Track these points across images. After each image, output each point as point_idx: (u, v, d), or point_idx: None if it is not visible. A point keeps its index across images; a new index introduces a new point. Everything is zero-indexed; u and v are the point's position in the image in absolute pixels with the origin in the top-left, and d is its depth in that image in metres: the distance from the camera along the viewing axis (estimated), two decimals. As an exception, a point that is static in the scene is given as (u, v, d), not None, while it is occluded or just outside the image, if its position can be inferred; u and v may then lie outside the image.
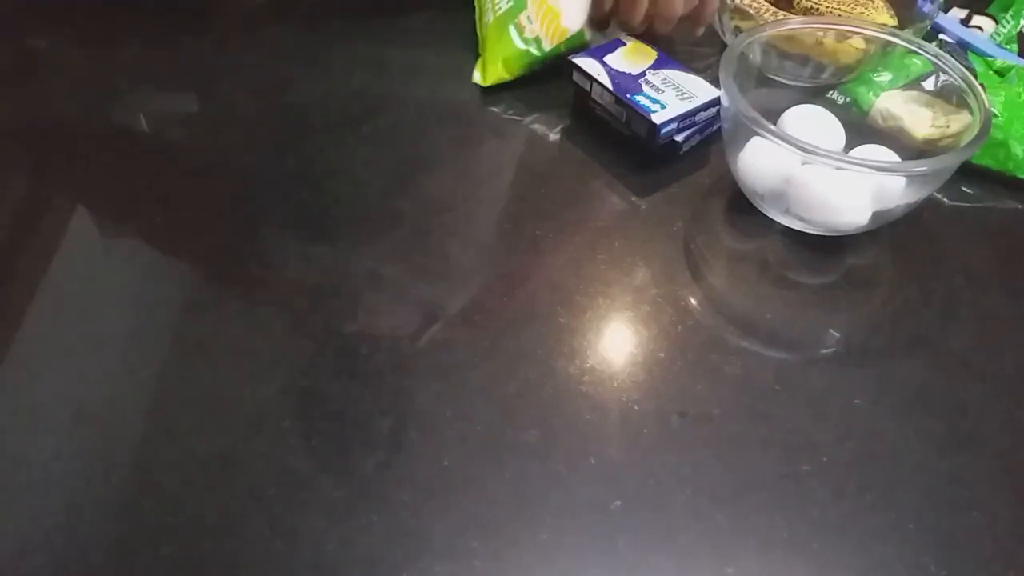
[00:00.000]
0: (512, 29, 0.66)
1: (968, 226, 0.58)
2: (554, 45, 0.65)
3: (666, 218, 0.57)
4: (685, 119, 0.59)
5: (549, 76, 0.67)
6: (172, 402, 0.45)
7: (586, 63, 0.62)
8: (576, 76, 0.63)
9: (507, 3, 0.67)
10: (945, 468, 0.44)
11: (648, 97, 0.59)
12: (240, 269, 0.53)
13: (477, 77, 0.68)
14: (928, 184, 0.52)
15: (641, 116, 0.58)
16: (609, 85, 0.60)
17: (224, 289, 0.52)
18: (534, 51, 0.65)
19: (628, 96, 0.59)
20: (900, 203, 0.52)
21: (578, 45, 0.66)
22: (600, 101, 0.62)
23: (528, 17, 0.65)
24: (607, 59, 0.62)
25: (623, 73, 0.61)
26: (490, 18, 0.68)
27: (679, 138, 0.60)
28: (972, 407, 0.47)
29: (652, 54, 0.63)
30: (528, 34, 0.65)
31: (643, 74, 0.61)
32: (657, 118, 0.57)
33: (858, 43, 0.62)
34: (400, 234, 0.55)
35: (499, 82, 0.67)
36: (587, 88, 0.62)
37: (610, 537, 0.40)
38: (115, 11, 0.76)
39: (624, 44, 0.64)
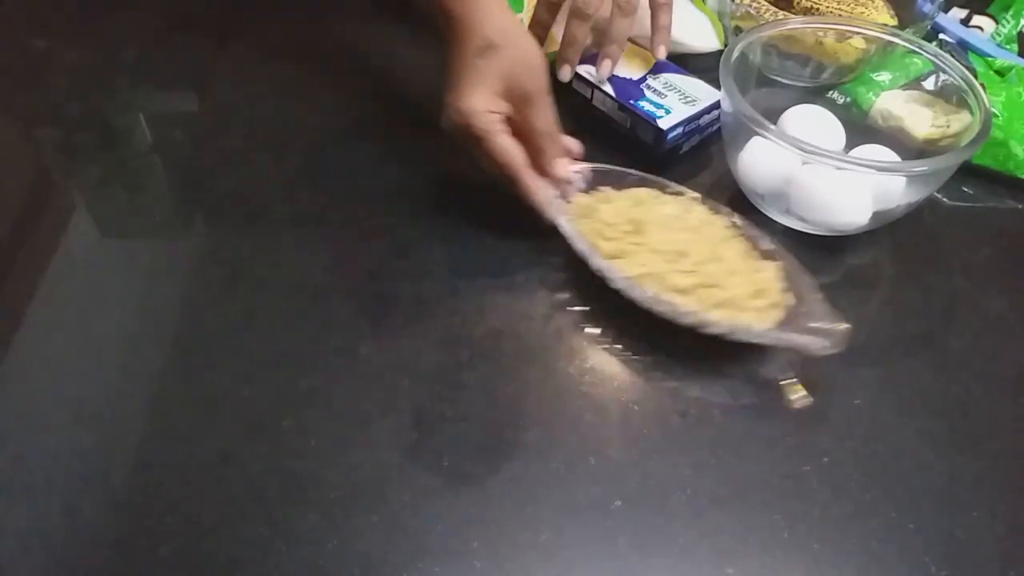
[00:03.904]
0: None
1: (968, 226, 0.58)
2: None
3: (666, 218, 0.57)
4: (690, 123, 0.59)
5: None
6: (172, 402, 0.45)
7: (586, 70, 0.62)
8: (576, 83, 0.63)
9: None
10: (945, 468, 0.44)
11: (651, 102, 0.59)
12: (240, 269, 0.53)
13: None
14: (928, 184, 0.52)
15: (647, 122, 0.58)
16: (611, 92, 0.60)
17: (224, 289, 0.52)
18: None
19: (631, 102, 0.59)
20: (900, 203, 0.52)
21: None
22: (602, 108, 0.62)
23: (521, 20, 0.65)
24: None
25: (624, 79, 0.61)
26: None
27: (685, 142, 0.60)
28: (972, 407, 0.47)
29: (651, 59, 0.63)
30: None
31: (644, 79, 0.61)
32: (664, 123, 0.57)
33: (858, 43, 0.62)
34: (400, 234, 0.55)
35: None
36: (588, 95, 0.62)
37: (610, 537, 0.40)
38: (115, 11, 0.76)
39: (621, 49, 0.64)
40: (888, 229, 0.55)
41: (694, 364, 0.48)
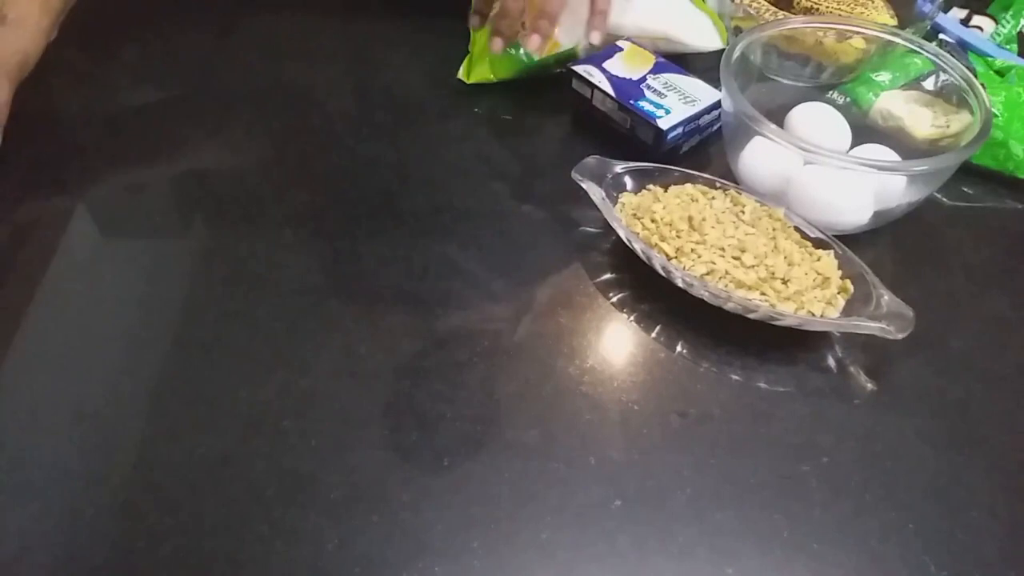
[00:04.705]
0: None
1: (968, 226, 0.58)
2: (543, 56, 0.65)
3: (666, 218, 0.57)
4: (690, 123, 0.59)
5: (550, 78, 0.67)
6: (172, 402, 0.45)
7: (586, 70, 0.62)
8: (576, 83, 0.63)
9: None
10: (945, 468, 0.44)
11: (651, 102, 0.59)
12: (240, 268, 0.53)
13: (462, 73, 0.68)
14: (929, 183, 0.52)
15: (647, 122, 0.58)
16: (611, 92, 0.60)
17: (224, 289, 0.52)
18: (523, 58, 0.65)
19: (631, 102, 0.59)
20: (901, 203, 0.52)
21: (567, 59, 0.65)
22: (602, 108, 0.62)
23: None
24: (606, 65, 0.62)
25: (624, 79, 0.61)
26: None
27: (685, 142, 0.60)
28: (972, 407, 0.47)
29: (651, 59, 0.63)
30: None
31: (643, 79, 0.61)
32: (663, 123, 0.57)
33: (858, 43, 0.62)
34: (400, 233, 0.55)
35: (482, 82, 0.66)
36: (588, 95, 0.62)
37: (610, 537, 0.40)
38: (115, 10, 0.76)
39: (622, 49, 0.64)
40: (888, 229, 0.55)
41: (694, 364, 0.48)
